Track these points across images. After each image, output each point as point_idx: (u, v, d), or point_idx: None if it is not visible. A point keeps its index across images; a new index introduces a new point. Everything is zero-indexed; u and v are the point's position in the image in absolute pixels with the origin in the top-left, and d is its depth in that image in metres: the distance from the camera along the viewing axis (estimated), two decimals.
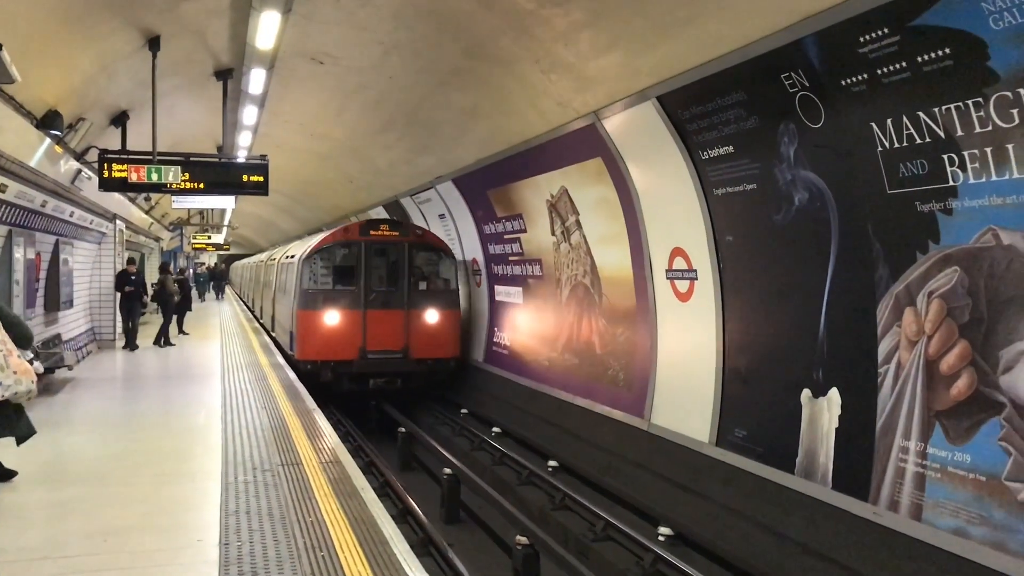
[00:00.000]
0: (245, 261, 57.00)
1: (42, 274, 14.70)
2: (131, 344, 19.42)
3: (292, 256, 20.24)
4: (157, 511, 6.78)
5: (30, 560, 5.63)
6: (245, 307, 41.32)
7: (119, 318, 19.90)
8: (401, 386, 17.51)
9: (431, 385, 18.42)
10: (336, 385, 17.17)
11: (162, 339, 20.06)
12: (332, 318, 17.03)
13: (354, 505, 6.97)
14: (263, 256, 37.04)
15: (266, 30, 9.97)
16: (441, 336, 17.74)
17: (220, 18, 10.65)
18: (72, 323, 17.57)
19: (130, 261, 20.58)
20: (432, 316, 17.66)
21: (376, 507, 6.94)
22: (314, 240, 18.87)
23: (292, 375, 15.16)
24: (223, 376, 14.64)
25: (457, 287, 18.18)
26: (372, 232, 17.60)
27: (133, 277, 19.22)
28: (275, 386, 13.59)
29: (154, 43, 10.94)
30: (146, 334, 21.06)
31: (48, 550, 5.83)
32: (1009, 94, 5.54)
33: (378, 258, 17.66)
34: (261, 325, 28.54)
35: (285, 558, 5.70)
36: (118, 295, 19.51)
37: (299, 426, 10.26)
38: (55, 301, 15.45)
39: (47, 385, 13.33)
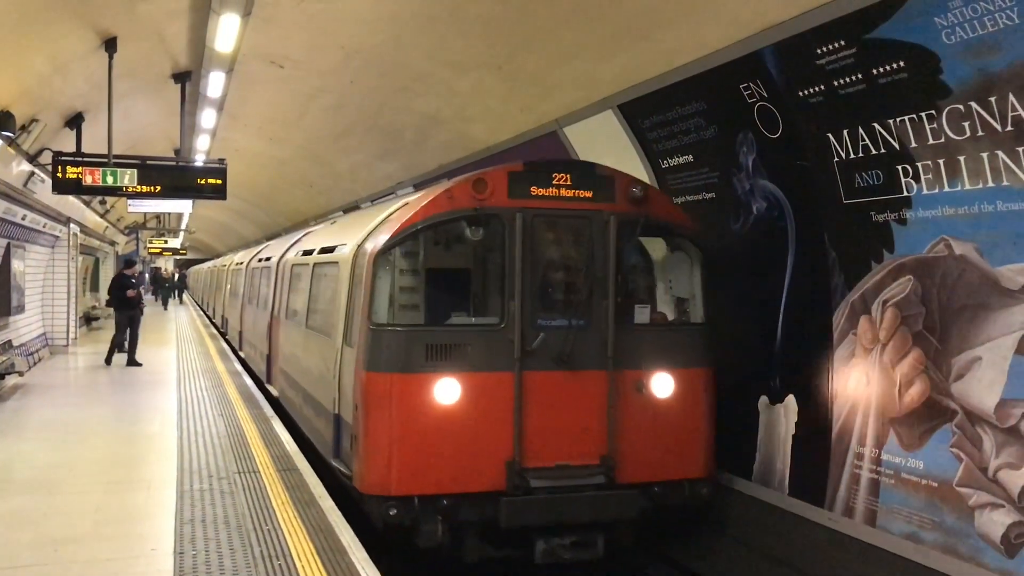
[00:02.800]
0: (211, 265, 43.04)
1: None
2: (133, 359, 16.67)
3: (329, 250, 10.05)
4: (110, 520, 6.67)
5: None
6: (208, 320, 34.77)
7: (73, 322, 19.49)
8: (603, 550, 7.62)
9: (657, 530, 8.69)
10: (455, 550, 7.54)
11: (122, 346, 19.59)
12: (445, 393, 7.25)
13: (312, 513, 6.92)
14: (240, 256, 25.20)
15: (225, 33, 9.87)
16: (681, 431, 7.90)
17: (179, 20, 10.52)
18: (24, 328, 17.21)
19: (129, 263, 18.52)
20: (663, 384, 7.82)
21: (334, 515, 6.88)
22: (396, 212, 8.41)
23: (249, 381, 14.91)
24: (179, 382, 14.44)
25: (708, 316, 8.26)
26: (535, 189, 7.65)
27: (134, 280, 17.42)
28: (232, 393, 13.43)
29: (111, 44, 10.78)
30: (99, 339, 20.69)
31: None
32: (961, 107, 5.66)
33: (546, 249, 7.85)
34: (241, 360, 18.72)
35: (242, 567, 5.64)
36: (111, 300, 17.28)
37: (256, 433, 10.15)
38: (6, 306, 15.14)
39: None
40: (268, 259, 16.05)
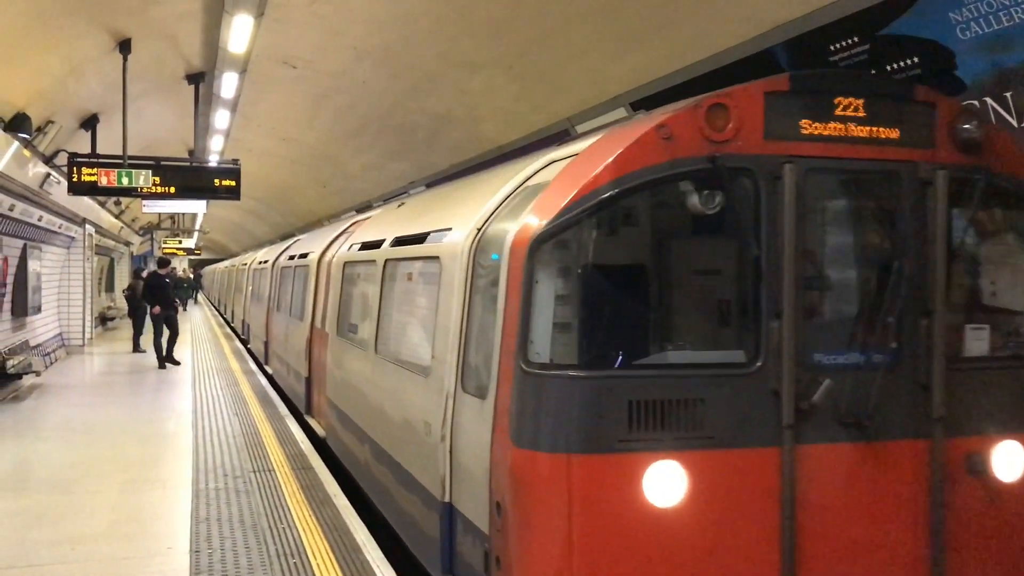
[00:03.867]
0: (227, 264, 40.79)
1: (9, 279, 14.49)
2: (172, 358, 16.56)
3: (415, 240, 6.71)
4: (126, 519, 6.71)
5: None
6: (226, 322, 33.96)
7: (88, 322, 19.53)
8: None
9: None
10: None
11: (137, 345, 19.64)
12: (662, 486, 4.07)
13: (327, 512, 6.93)
14: (263, 254, 22.11)
15: (239, 34, 9.92)
16: None
17: (192, 21, 10.57)
18: (40, 328, 17.33)
19: (163, 262, 18.51)
20: (1014, 459, 4.56)
21: (349, 513, 6.90)
22: (550, 168, 5.06)
23: (263, 380, 14.94)
24: (194, 382, 14.50)
25: None
26: (807, 124, 4.35)
27: (168, 280, 17.49)
28: (247, 392, 13.47)
29: (125, 46, 10.84)
30: (115, 338, 20.80)
31: (14, 559, 5.74)
32: (975, 102, 5.62)
33: (828, 230, 4.69)
34: (269, 376, 15.55)
35: (257, 565, 5.66)
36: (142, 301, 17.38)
37: (271, 432, 10.18)
38: (23, 307, 15.24)
39: (14, 392, 13.15)
40: (304, 256, 12.83)
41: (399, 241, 7.18)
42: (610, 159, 4.18)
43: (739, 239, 4.39)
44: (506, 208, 5.08)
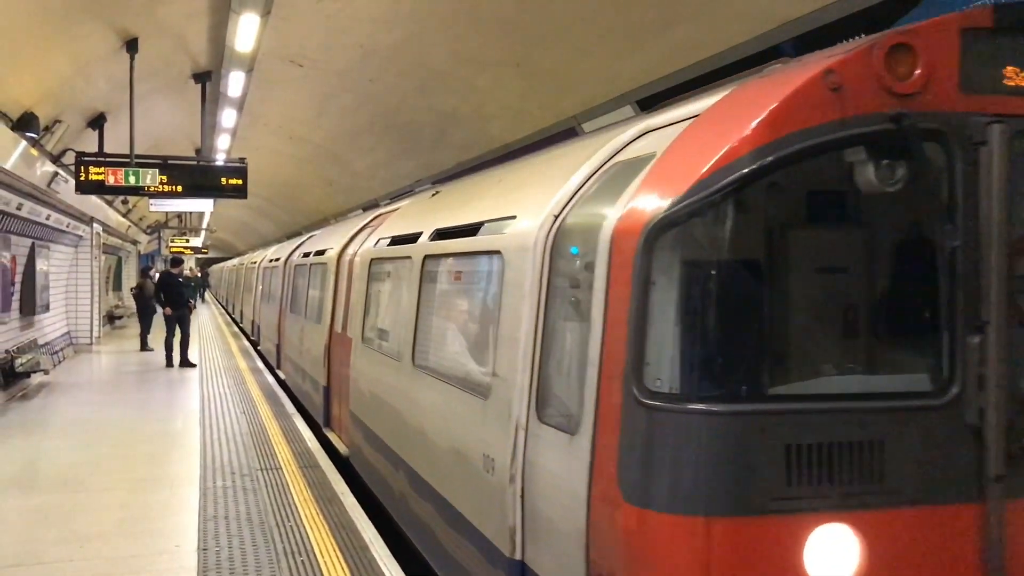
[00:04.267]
0: (235, 263, 40.05)
1: (17, 278, 14.55)
2: (187, 360, 16.43)
3: (464, 232, 5.60)
4: (134, 517, 6.73)
5: (3, 568, 5.57)
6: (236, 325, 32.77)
7: (96, 321, 19.53)
8: None
9: None
10: None
11: (145, 344, 19.68)
12: (830, 558, 3.03)
13: (334, 510, 6.95)
14: (273, 251, 21.62)
15: (245, 32, 9.94)
16: None
17: (199, 20, 10.59)
18: (48, 327, 17.39)
19: (176, 261, 18.41)
20: None
21: (356, 511, 6.91)
22: (658, 133, 3.92)
23: (271, 378, 14.98)
24: (201, 380, 14.54)
25: None
26: (1013, 74, 3.22)
27: (181, 280, 17.38)
28: (254, 390, 13.50)
29: (132, 45, 10.87)
30: (123, 336, 20.83)
31: (22, 557, 5.77)
32: None
33: None
34: (281, 381, 14.76)
35: (264, 563, 5.67)
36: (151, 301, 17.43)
37: (278, 430, 10.20)
38: (31, 305, 15.29)
39: (23, 390, 13.19)
40: (321, 253, 11.98)
41: (441, 234, 6.11)
42: (760, 117, 3.09)
43: (926, 225, 3.35)
44: (591, 189, 4.07)
